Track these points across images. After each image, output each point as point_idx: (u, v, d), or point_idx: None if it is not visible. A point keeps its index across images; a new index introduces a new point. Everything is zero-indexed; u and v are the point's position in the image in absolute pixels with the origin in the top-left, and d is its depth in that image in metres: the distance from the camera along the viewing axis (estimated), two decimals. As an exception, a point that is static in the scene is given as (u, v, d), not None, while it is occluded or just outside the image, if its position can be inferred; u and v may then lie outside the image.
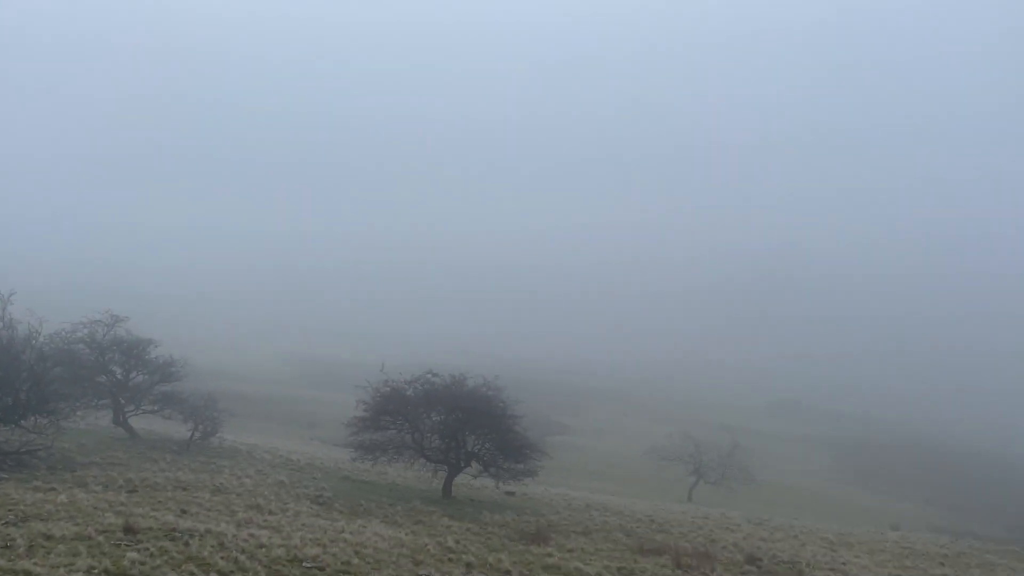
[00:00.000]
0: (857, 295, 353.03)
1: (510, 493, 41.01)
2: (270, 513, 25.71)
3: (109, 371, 43.00)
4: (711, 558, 26.10)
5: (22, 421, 29.63)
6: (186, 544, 19.09)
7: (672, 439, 73.66)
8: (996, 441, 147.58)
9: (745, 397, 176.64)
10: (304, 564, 18.88)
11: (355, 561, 19.76)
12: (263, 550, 19.56)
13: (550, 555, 23.77)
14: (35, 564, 16.03)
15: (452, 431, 37.76)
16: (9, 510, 20.85)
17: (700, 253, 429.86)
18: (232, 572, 17.54)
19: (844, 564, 28.58)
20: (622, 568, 23.06)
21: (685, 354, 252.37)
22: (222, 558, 18.19)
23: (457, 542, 24.42)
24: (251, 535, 20.92)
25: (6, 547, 17.22)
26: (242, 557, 18.48)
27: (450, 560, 21.69)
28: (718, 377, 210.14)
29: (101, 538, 18.72)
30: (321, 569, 18.73)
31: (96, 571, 16.29)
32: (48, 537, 18.32)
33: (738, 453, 72.35)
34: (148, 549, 18.26)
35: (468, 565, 21.20)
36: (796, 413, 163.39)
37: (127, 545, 18.36)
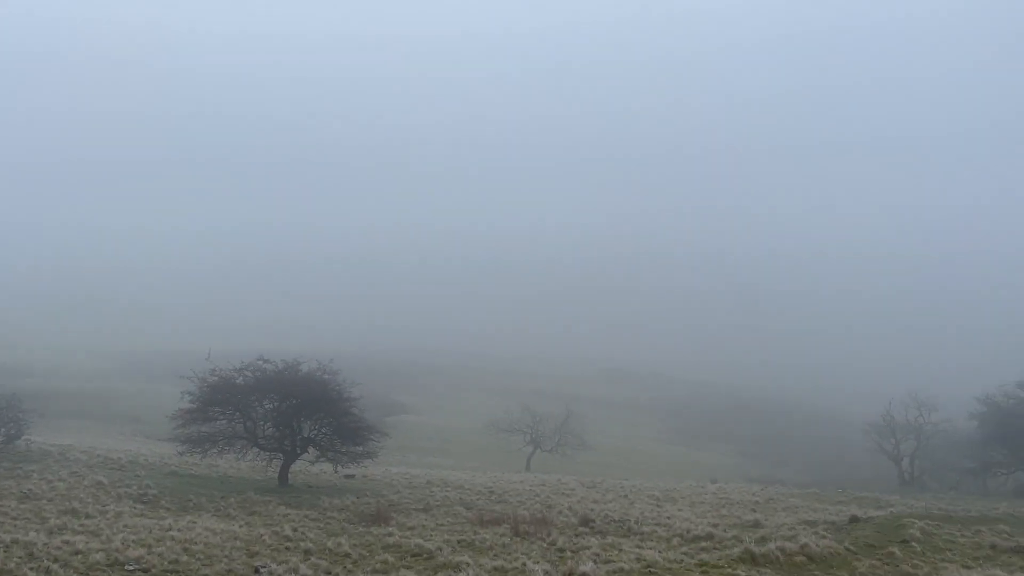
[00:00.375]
0: (685, 273, 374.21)
1: (350, 476, 40.60)
2: (87, 517, 24.06)
3: None
4: (547, 523, 27.11)
5: None
6: (-12, 558, 17.52)
7: (510, 412, 75.44)
8: (802, 396, 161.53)
9: (579, 367, 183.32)
10: (127, 567, 17.85)
11: (184, 559, 18.92)
12: (79, 556, 18.32)
13: (391, 534, 23.82)
14: None
15: (287, 418, 36.85)
16: None
17: (538, 237, 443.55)
18: (44, 583, 16.31)
19: (669, 518, 30.54)
20: (462, 541, 23.49)
21: (522, 328, 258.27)
22: (31, 569, 16.85)
23: (295, 530, 23.94)
24: (65, 542, 19.50)
25: None
26: (55, 566, 17.21)
27: (287, 549, 21.24)
28: (554, 349, 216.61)
29: None
30: (146, 571, 17.78)
31: None
32: None
33: (572, 421, 75.28)
34: (-57, 567, 16.62)
35: (306, 552, 20.85)
36: (626, 380, 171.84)
37: (-83, 565, 16.62)
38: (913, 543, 23.39)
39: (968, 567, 20.70)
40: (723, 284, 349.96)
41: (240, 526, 24.35)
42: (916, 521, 26.42)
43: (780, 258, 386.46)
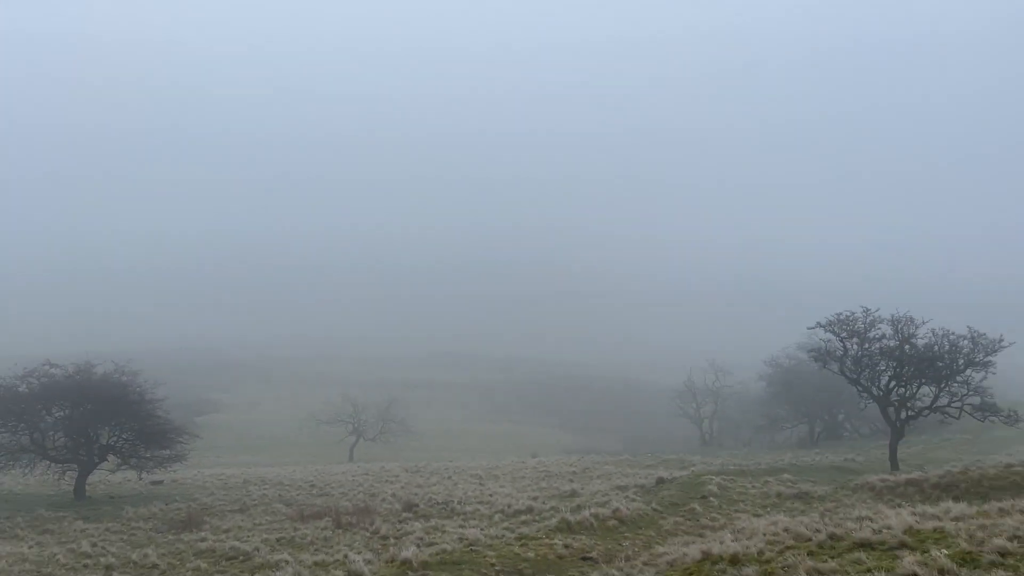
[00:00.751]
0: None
1: (157, 482, 38.18)
2: None
3: None
4: (371, 512, 26.89)
5: None
6: None
7: (330, 402, 73.92)
8: (619, 369, 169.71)
9: (404, 352, 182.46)
10: None
11: (-39, 590, 17.06)
12: None
13: (204, 539, 22.67)
14: None
15: (81, 426, 33.99)
16: None
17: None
18: None
19: (491, 495, 31.19)
20: (282, 538, 22.79)
21: (343, 318, 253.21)
22: None
23: (94, 545, 22.22)
24: None
25: None
26: None
27: (85, 566, 19.68)
28: (377, 336, 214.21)
29: None
30: (-87, 608, 15.85)
31: None
32: None
33: (396, 407, 74.97)
34: None
35: (108, 567, 19.40)
36: (452, 362, 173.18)
37: None
38: (711, 498, 25.41)
39: (758, 515, 22.73)
40: (550, 270, 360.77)
41: (29, 547, 22.28)
42: (714, 477, 28.70)
43: (605, 251, 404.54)
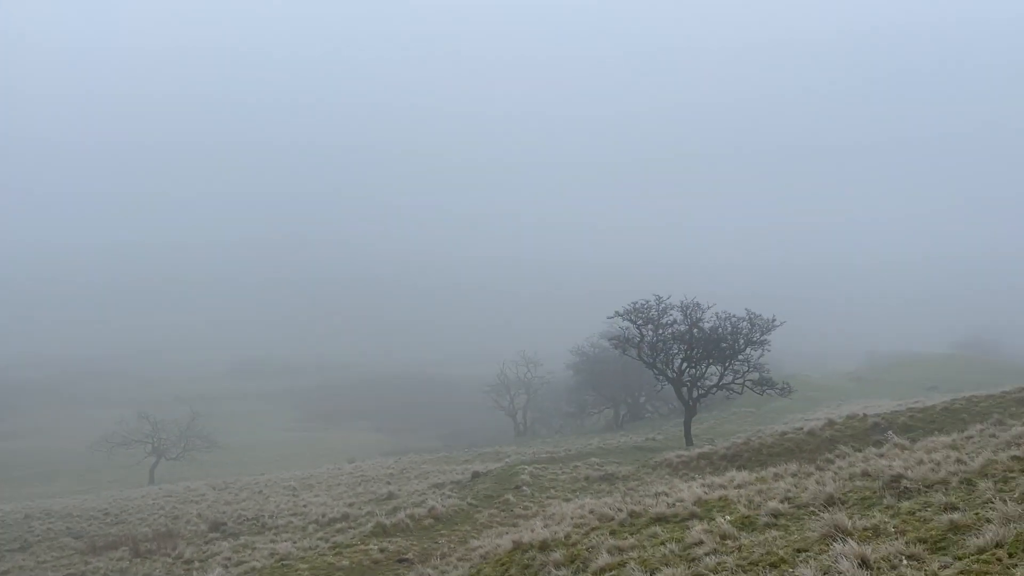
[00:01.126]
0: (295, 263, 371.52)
1: (-83, 528, 33.70)
2: None
3: None
4: (173, 536, 25.34)
5: None
6: None
7: (125, 423, 68.62)
8: (433, 366, 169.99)
9: (206, 363, 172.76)
10: None
11: None
12: None
13: (-25, 587, 20.40)
14: None
15: None
16: None
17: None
18: None
19: (305, 506, 30.32)
20: (70, 575, 20.93)
21: (137, 333, 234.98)
22: None
23: None
24: None
25: None
26: None
27: None
28: (175, 349, 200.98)
29: None
30: None
31: None
32: None
33: (198, 423, 71.00)
34: None
35: None
36: (257, 371, 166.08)
37: None
38: (524, 487, 26.16)
39: (568, 499, 23.66)
40: (357, 271, 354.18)
41: None
42: (527, 467, 29.58)
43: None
